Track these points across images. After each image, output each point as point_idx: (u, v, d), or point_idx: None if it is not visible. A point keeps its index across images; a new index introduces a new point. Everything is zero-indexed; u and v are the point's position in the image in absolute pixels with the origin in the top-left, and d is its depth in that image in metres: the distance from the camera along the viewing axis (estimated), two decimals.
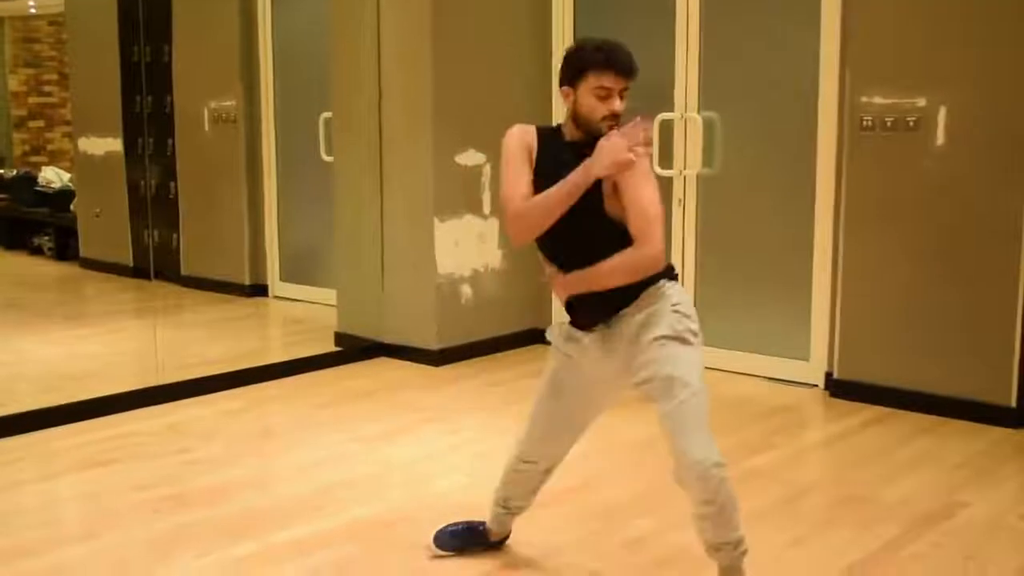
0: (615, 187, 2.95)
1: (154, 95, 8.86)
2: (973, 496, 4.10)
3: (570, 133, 3.07)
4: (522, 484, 3.40)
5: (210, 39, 8.22)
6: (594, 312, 3.06)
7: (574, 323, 3.14)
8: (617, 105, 2.98)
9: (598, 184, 2.93)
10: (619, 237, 2.94)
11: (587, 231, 2.98)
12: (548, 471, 3.38)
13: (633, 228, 2.93)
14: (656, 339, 2.97)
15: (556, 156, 3.02)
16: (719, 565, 3.09)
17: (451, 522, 3.59)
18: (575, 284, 3.03)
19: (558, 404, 3.25)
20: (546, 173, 2.99)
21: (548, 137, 3.10)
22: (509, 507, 3.47)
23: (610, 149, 2.88)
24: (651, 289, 3.00)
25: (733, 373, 5.90)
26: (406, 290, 6.23)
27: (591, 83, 2.96)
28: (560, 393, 3.23)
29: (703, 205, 6.00)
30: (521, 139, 3.08)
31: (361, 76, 6.33)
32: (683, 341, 3.00)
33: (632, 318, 3.00)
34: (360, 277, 6.47)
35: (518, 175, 3.02)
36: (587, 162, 2.91)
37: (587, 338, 3.09)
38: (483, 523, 3.54)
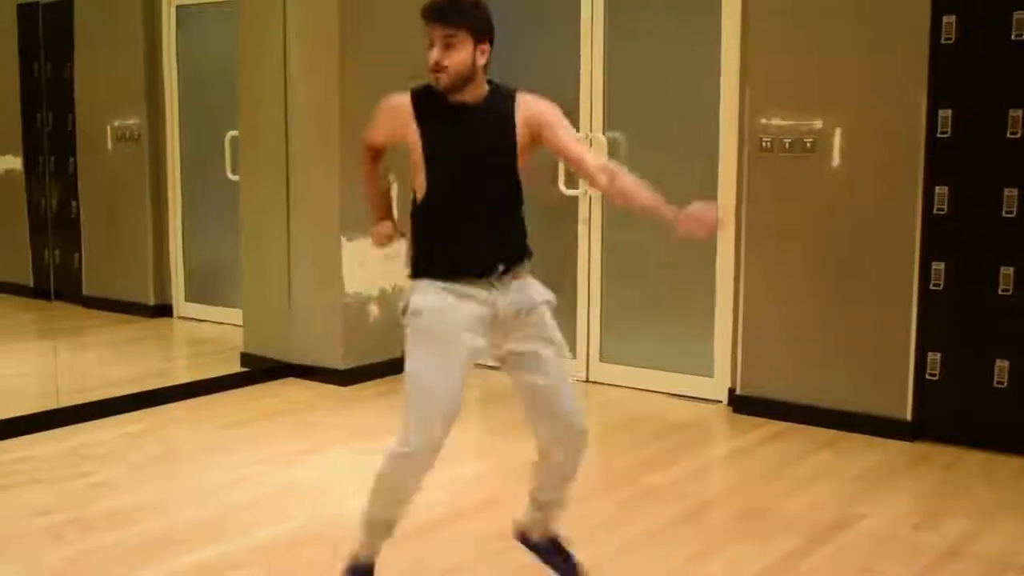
0: (536, 139, 3.08)
1: (55, 112, 8.71)
2: (870, 508, 4.21)
3: None
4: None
5: (113, 56, 8.11)
6: (488, 258, 3.06)
7: (459, 272, 3.05)
8: (434, 54, 2.96)
9: (513, 143, 3.05)
10: (517, 192, 3.12)
11: (500, 184, 3.09)
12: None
13: (586, 165, 3.13)
14: (545, 302, 3.15)
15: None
16: (548, 521, 3.36)
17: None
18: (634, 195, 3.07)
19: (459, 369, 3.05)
20: (435, 138, 3.05)
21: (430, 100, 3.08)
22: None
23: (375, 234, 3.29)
24: (526, 261, 3.15)
25: (637, 390, 5.97)
26: (313, 310, 6.20)
27: (425, 35, 3.01)
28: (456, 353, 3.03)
29: (608, 224, 6.08)
30: (390, 113, 3.15)
31: (268, 94, 6.30)
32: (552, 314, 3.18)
33: (512, 282, 3.10)
34: (266, 297, 6.43)
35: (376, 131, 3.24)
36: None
37: (470, 290, 3.04)
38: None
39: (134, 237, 8.11)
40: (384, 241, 3.41)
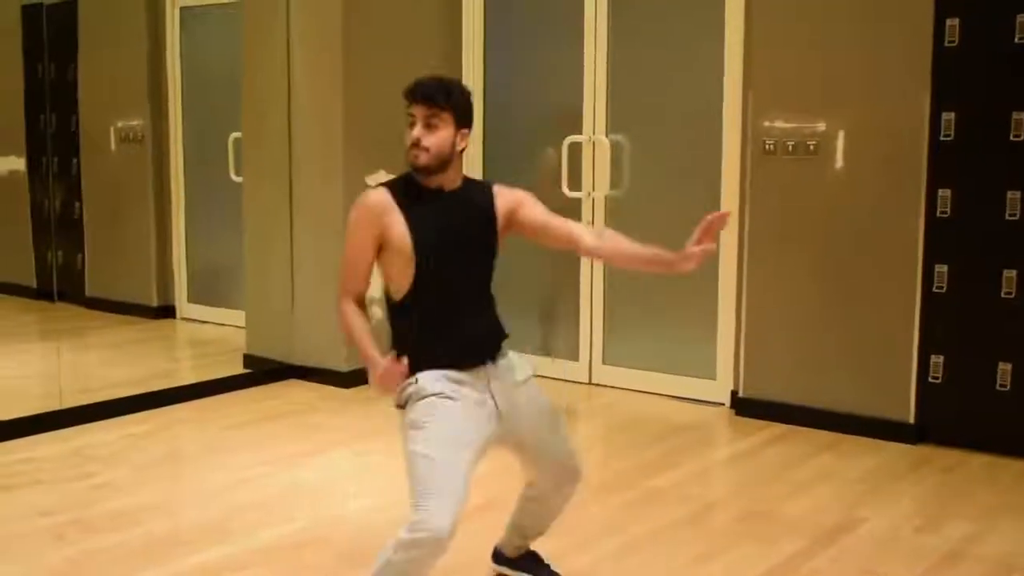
0: (514, 223, 3.09)
1: (59, 113, 8.72)
2: (872, 510, 4.21)
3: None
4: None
5: (117, 57, 8.12)
6: (484, 345, 3.10)
7: (461, 362, 3.03)
8: (416, 132, 2.94)
9: (493, 227, 3.06)
10: (491, 274, 3.13)
11: (483, 272, 3.11)
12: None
13: (573, 231, 3.10)
14: (528, 378, 3.16)
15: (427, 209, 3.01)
16: (526, 548, 3.44)
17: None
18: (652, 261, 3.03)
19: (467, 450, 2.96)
20: (423, 229, 2.98)
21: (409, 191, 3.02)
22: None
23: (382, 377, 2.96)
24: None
25: (640, 392, 5.98)
26: (316, 311, 6.20)
27: (406, 114, 2.99)
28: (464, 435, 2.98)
29: (611, 226, 6.06)
30: (368, 213, 3.00)
31: (271, 96, 6.31)
32: None
33: (501, 360, 3.12)
34: (270, 298, 6.44)
35: (355, 263, 3.07)
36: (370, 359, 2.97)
37: (469, 377, 3.02)
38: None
39: (137, 238, 8.12)
40: (398, 381, 3.00)
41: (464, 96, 3.02)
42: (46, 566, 3.67)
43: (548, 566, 3.46)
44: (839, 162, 5.17)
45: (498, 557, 3.53)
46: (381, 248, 3.00)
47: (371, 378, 3.03)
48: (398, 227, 2.95)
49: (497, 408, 3.04)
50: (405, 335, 3.05)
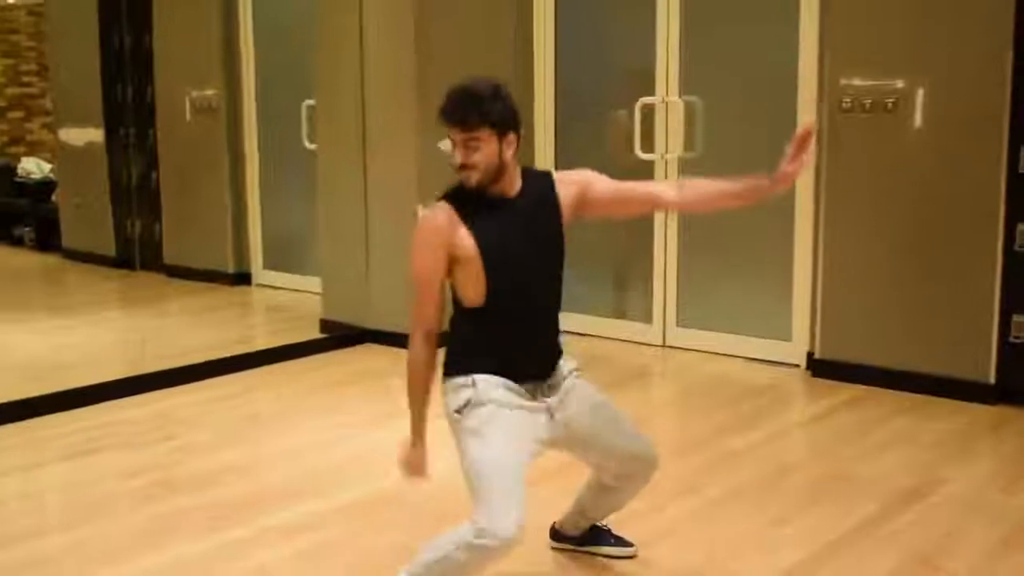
0: (587, 204, 3.02)
1: (135, 85, 8.85)
2: (952, 472, 4.16)
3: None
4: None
5: (191, 27, 8.21)
6: (546, 363, 3.02)
7: (524, 375, 2.95)
8: (460, 157, 2.83)
9: (559, 220, 2.97)
10: (561, 278, 3.03)
11: (554, 274, 3.01)
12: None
13: (651, 190, 3.13)
14: (572, 371, 3.07)
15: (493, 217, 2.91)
16: (594, 526, 3.39)
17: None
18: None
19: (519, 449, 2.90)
20: (491, 240, 2.88)
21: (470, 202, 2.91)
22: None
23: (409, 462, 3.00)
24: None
25: (714, 354, 5.95)
26: (391, 276, 6.25)
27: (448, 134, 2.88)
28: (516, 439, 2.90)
29: None
30: (433, 234, 2.91)
31: (344, 63, 6.34)
32: None
33: (561, 369, 3.05)
34: (345, 264, 6.50)
35: (426, 285, 2.95)
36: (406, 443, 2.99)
37: (525, 390, 2.95)
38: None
39: (213, 206, 8.23)
40: (419, 473, 3.04)
41: (501, 102, 2.84)
42: (136, 525, 3.76)
43: (612, 534, 3.42)
44: (918, 120, 5.07)
45: (558, 535, 3.45)
46: (451, 265, 2.90)
47: (399, 455, 3.05)
48: (465, 240, 2.85)
49: (552, 418, 2.97)
50: (470, 339, 2.96)
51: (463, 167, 2.84)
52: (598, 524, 3.42)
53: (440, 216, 2.89)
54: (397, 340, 6.20)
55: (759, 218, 5.78)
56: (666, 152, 6.01)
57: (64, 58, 9.60)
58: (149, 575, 3.39)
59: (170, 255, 8.64)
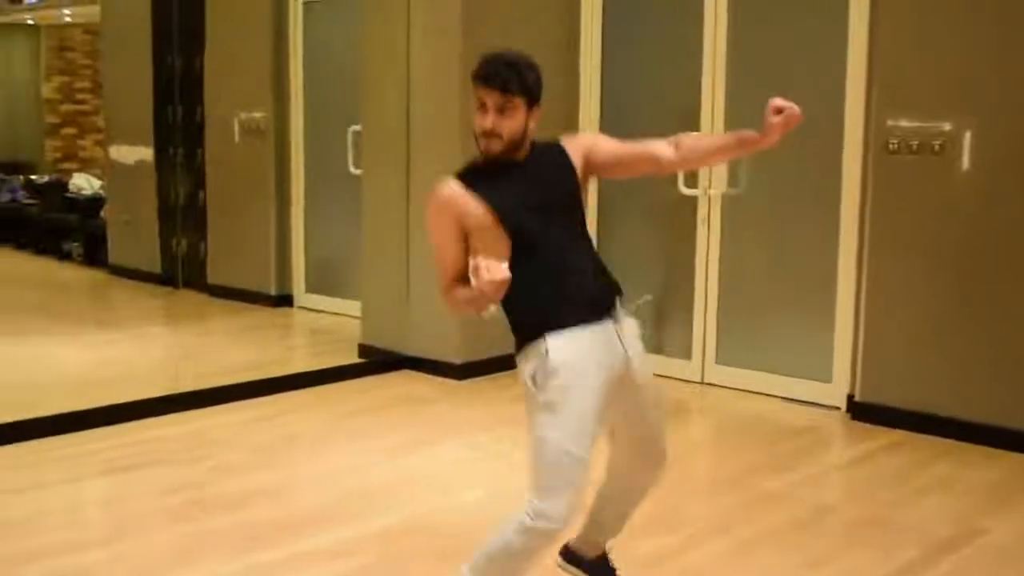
0: (592, 165, 3.01)
1: (185, 105, 8.97)
2: (992, 522, 4.10)
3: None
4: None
5: (242, 50, 8.31)
6: (602, 297, 2.97)
7: (580, 318, 2.89)
8: (488, 122, 2.83)
9: (573, 177, 2.97)
10: (585, 224, 3.03)
11: (576, 222, 3.00)
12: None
13: (652, 150, 3.02)
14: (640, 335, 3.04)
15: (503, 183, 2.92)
16: (606, 538, 3.28)
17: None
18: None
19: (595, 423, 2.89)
20: (501, 197, 2.87)
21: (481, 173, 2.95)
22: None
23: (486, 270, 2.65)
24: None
25: (753, 393, 5.91)
26: (430, 303, 6.26)
27: (474, 96, 2.87)
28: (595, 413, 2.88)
29: (727, 224, 6.01)
30: (441, 208, 2.95)
31: (390, 89, 6.39)
32: None
33: (624, 320, 3.00)
34: (385, 289, 6.52)
35: (445, 257, 2.97)
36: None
37: (595, 333, 2.90)
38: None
39: (258, 228, 8.30)
40: (500, 278, 2.66)
41: (534, 75, 2.89)
42: (170, 543, 3.78)
43: (615, 571, 3.33)
44: (965, 163, 5.03)
45: (571, 557, 3.35)
46: (471, 238, 2.91)
47: (477, 280, 2.66)
48: (475, 208, 2.86)
49: (627, 353, 2.93)
50: (522, 300, 2.86)
51: (490, 133, 2.84)
52: (611, 562, 3.34)
53: (445, 190, 2.94)
54: (435, 368, 6.25)
55: (802, 257, 5.75)
56: (709, 188, 5.99)
57: (117, 77, 9.76)
58: None
59: (214, 274, 8.72)
